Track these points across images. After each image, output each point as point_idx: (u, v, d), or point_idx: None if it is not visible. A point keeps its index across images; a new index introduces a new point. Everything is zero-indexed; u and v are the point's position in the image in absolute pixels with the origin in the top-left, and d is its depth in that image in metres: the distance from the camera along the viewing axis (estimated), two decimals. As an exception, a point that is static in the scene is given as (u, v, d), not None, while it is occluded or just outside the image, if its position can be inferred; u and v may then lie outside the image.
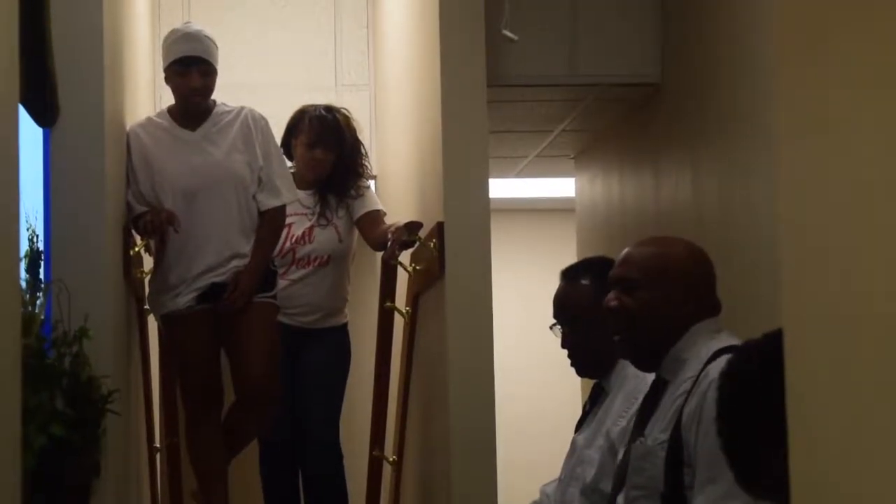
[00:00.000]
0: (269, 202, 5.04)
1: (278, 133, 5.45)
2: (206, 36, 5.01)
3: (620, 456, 3.50)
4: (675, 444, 3.06)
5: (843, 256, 1.36)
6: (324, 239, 5.67)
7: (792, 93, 1.49)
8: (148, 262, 5.25)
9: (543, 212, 9.71)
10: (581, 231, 7.15)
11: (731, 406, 2.25)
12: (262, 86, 6.72)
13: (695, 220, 5.07)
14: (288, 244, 5.59)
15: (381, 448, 5.77)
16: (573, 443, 3.87)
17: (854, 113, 1.35)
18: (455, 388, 4.80)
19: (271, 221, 5.06)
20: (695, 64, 5.13)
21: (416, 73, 5.61)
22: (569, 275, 3.91)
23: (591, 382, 3.99)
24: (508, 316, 8.61)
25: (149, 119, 5.16)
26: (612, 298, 3.33)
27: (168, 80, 5.04)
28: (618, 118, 6.12)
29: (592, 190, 6.88)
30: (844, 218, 1.36)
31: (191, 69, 4.95)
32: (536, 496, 4.01)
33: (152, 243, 5.07)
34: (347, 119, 5.77)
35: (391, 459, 5.77)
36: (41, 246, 3.96)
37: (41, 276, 3.92)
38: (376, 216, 5.68)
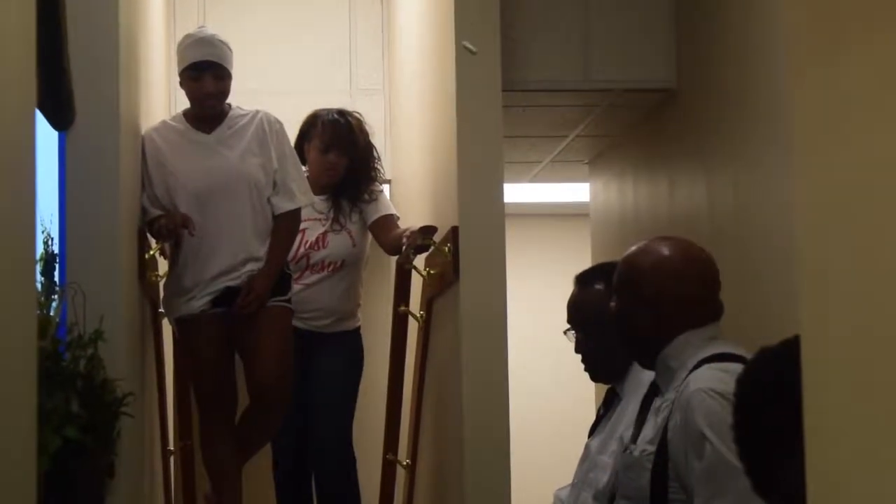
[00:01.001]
0: (284, 205, 5.04)
1: (292, 138, 5.45)
2: (219, 40, 5.01)
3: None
4: (662, 458, 3.06)
5: (861, 261, 1.36)
6: (337, 244, 5.67)
7: (807, 96, 1.48)
8: (163, 266, 5.26)
9: (558, 216, 9.70)
10: (595, 236, 7.15)
11: (748, 414, 2.25)
12: (277, 90, 6.73)
13: (709, 225, 5.07)
14: (302, 249, 5.59)
15: (395, 452, 5.77)
16: (587, 448, 3.86)
17: (870, 115, 1.35)
18: (469, 392, 4.80)
19: (286, 225, 5.05)
20: (709, 68, 5.13)
21: (430, 78, 5.61)
22: (582, 280, 3.91)
23: (605, 386, 3.99)
24: (522, 320, 8.60)
25: (164, 122, 5.17)
26: (612, 301, 3.36)
27: (182, 84, 5.05)
28: (632, 123, 6.12)
29: (607, 195, 6.88)
30: (862, 222, 1.35)
31: (205, 74, 4.96)
32: (550, 500, 4.01)
33: (167, 246, 5.08)
34: (360, 123, 5.77)
35: (405, 463, 5.77)
36: (56, 249, 3.96)
37: (56, 279, 3.93)
38: (390, 220, 5.68)
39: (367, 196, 5.71)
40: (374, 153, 5.81)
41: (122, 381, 4.04)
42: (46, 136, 4.05)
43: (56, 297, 3.84)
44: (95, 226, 4.22)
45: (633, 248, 3.37)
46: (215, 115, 5.03)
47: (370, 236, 5.75)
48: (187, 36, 5.09)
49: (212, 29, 5.16)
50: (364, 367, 5.79)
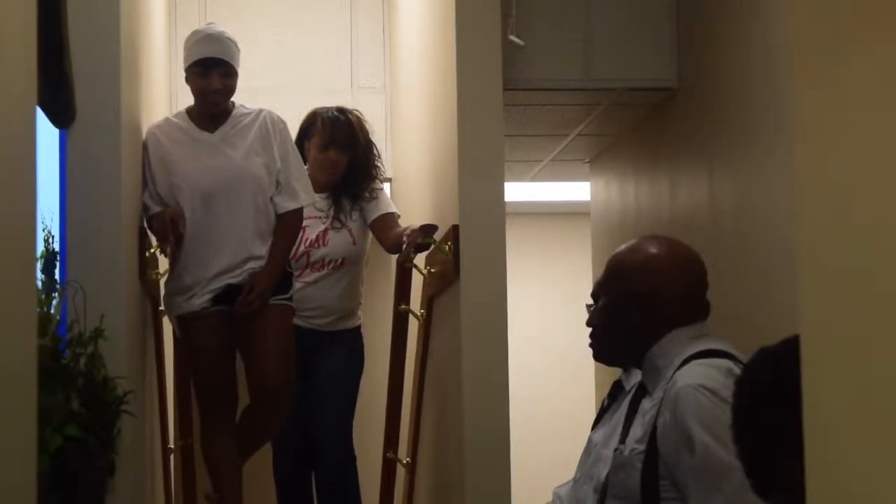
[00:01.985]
0: (287, 204, 5.04)
1: (293, 136, 5.44)
2: (227, 38, 5.00)
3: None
4: (651, 456, 3.05)
5: (862, 261, 1.36)
6: (338, 242, 5.67)
7: (808, 95, 1.48)
8: (163, 264, 5.26)
9: (558, 215, 9.70)
10: (596, 235, 7.15)
11: (748, 413, 2.24)
12: (279, 88, 6.73)
13: (711, 225, 5.07)
14: (302, 248, 5.59)
15: (395, 450, 5.77)
16: (589, 441, 3.87)
17: (872, 114, 1.35)
18: (469, 391, 4.80)
19: (288, 224, 5.05)
20: (711, 68, 5.12)
21: (432, 76, 5.61)
22: None
23: (606, 382, 3.99)
24: (523, 318, 8.60)
25: (167, 120, 5.16)
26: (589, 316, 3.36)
27: (188, 80, 5.04)
28: (633, 122, 6.12)
29: (608, 194, 6.88)
30: (863, 220, 1.35)
31: (211, 71, 4.96)
32: (550, 499, 4.01)
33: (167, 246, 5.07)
34: (360, 120, 5.77)
35: (405, 461, 5.77)
36: (57, 247, 3.96)
37: (57, 276, 3.93)
38: (390, 219, 5.68)
39: (367, 194, 5.71)
40: (375, 151, 5.81)
41: (123, 379, 4.04)
42: (47, 134, 4.05)
43: (56, 294, 3.83)
44: (96, 223, 4.22)
45: (622, 246, 3.36)
46: (219, 112, 5.03)
47: (371, 234, 5.75)
48: (196, 32, 5.08)
49: (220, 25, 5.15)
50: (364, 366, 5.79)
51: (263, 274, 4.94)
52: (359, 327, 5.78)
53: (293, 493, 5.75)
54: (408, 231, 5.36)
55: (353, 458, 5.67)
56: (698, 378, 3.00)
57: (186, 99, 5.14)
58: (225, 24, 5.36)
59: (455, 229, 4.88)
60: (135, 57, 4.77)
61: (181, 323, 5.04)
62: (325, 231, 5.67)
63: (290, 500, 5.76)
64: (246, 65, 5.21)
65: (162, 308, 5.26)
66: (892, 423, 1.29)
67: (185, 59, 5.03)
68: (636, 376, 3.74)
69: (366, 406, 5.99)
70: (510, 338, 4.86)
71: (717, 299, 4.92)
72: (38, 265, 3.70)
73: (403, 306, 5.66)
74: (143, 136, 5.01)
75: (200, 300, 4.94)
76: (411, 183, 6.33)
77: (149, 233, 4.96)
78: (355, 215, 5.71)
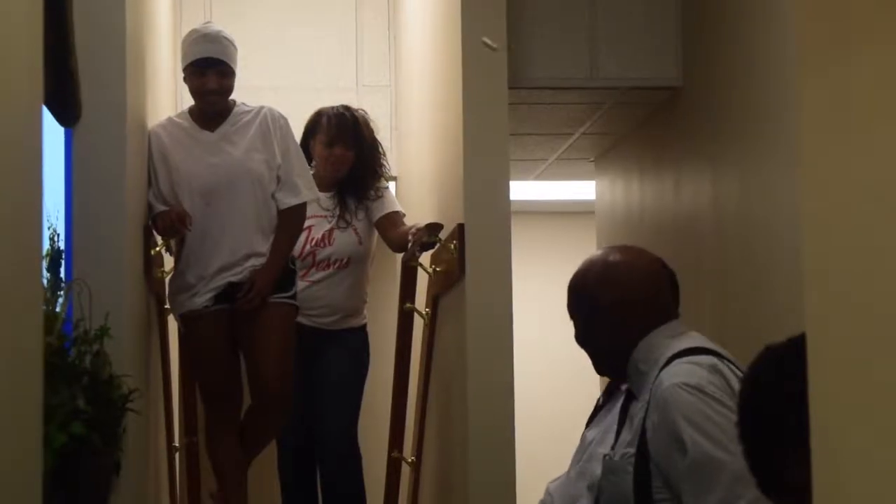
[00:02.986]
0: (288, 200, 5.03)
1: (298, 135, 5.45)
2: (224, 37, 5.00)
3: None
4: (642, 459, 3.05)
5: (867, 259, 1.36)
6: (343, 241, 5.67)
7: (814, 95, 1.48)
8: (168, 262, 5.27)
9: (563, 214, 9.70)
10: (601, 234, 7.15)
11: (753, 411, 2.24)
12: (284, 87, 6.73)
13: (715, 223, 5.07)
14: (308, 247, 5.60)
15: (400, 449, 5.77)
16: (583, 438, 3.87)
17: (878, 114, 1.35)
18: (474, 390, 4.80)
19: (289, 220, 5.04)
20: (715, 67, 5.12)
21: (437, 75, 5.61)
22: None
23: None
24: (528, 317, 8.60)
25: (169, 119, 5.17)
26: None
27: (186, 80, 5.05)
28: (638, 121, 6.12)
29: (612, 193, 6.88)
30: (868, 220, 1.35)
31: (208, 71, 4.96)
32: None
33: (172, 243, 5.08)
34: (365, 118, 5.78)
35: (410, 460, 5.77)
36: (62, 245, 3.96)
37: (62, 275, 3.93)
38: (396, 218, 5.68)
39: (372, 193, 5.71)
40: (380, 149, 5.81)
41: (128, 377, 4.04)
42: (53, 133, 4.05)
43: (62, 293, 3.84)
44: (101, 222, 4.22)
45: (578, 267, 3.38)
46: (219, 111, 5.03)
47: (376, 233, 5.75)
48: (192, 31, 5.09)
49: (217, 25, 5.15)
50: (369, 365, 5.79)
51: (264, 271, 4.93)
52: (364, 326, 5.78)
53: (298, 491, 5.75)
54: (413, 230, 5.36)
55: (358, 457, 5.67)
56: (683, 376, 3.01)
57: (191, 97, 5.15)
58: (230, 23, 5.37)
59: (460, 228, 4.88)
60: (140, 56, 4.77)
61: (185, 321, 5.05)
62: (331, 230, 5.67)
63: (294, 498, 5.76)
64: (251, 63, 5.22)
65: (167, 306, 5.26)
66: (897, 422, 1.29)
67: (183, 59, 5.05)
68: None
69: (371, 405, 5.99)
70: (515, 336, 4.86)
71: (720, 298, 4.93)
72: (44, 263, 3.70)
73: (408, 305, 5.67)
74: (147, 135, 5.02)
75: (202, 298, 4.94)
76: (416, 182, 6.33)
77: (153, 231, 4.96)
78: (360, 214, 5.71)
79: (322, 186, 5.50)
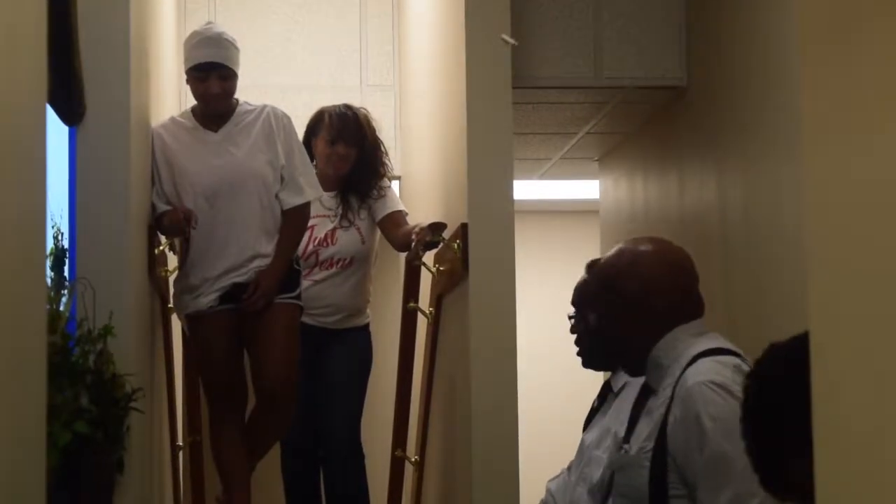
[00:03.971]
0: (292, 200, 5.02)
1: (301, 134, 5.44)
2: (226, 39, 4.99)
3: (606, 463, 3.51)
4: (660, 453, 3.05)
5: (870, 257, 1.36)
6: (346, 241, 5.67)
7: (818, 93, 1.48)
8: (172, 261, 5.26)
9: (567, 213, 9.70)
10: (605, 233, 7.15)
11: (757, 409, 2.24)
12: (288, 86, 6.73)
13: (719, 223, 5.07)
14: (311, 246, 5.60)
15: (404, 448, 5.77)
16: (581, 442, 3.87)
17: (880, 113, 1.35)
18: (478, 389, 4.80)
19: (293, 220, 5.03)
20: (719, 66, 5.12)
21: (441, 74, 5.61)
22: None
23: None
24: (532, 316, 8.61)
25: (172, 119, 5.17)
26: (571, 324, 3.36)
27: (188, 82, 5.04)
28: (642, 120, 6.11)
29: (616, 192, 6.88)
30: (871, 219, 1.35)
31: (210, 75, 4.94)
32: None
33: (176, 242, 5.08)
34: (367, 117, 5.77)
35: (413, 460, 5.77)
36: (66, 244, 3.97)
37: (66, 274, 3.94)
38: (399, 217, 5.68)
39: (375, 192, 5.70)
40: (382, 148, 5.80)
41: (132, 376, 4.04)
42: (57, 132, 4.06)
43: (66, 292, 3.84)
44: (105, 221, 4.23)
45: (607, 254, 3.35)
46: (222, 112, 5.03)
47: (379, 233, 5.74)
48: (194, 34, 5.07)
49: (219, 26, 5.13)
50: (373, 364, 5.79)
51: (269, 272, 4.93)
52: (367, 325, 5.78)
53: (302, 491, 5.75)
54: (416, 229, 5.36)
55: (362, 457, 5.67)
56: (709, 375, 3.00)
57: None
58: (234, 22, 5.37)
59: (464, 227, 4.88)
60: (144, 55, 4.77)
61: (189, 321, 5.05)
62: (334, 230, 5.67)
63: (298, 498, 5.77)
64: (255, 62, 5.22)
65: (171, 305, 5.26)
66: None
67: (185, 62, 5.03)
68: (623, 378, 3.75)
69: (374, 404, 5.99)
70: (518, 336, 4.86)
71: (725, 296, 4.93)
72: (48, 262, 3.71)
73: (412, 304, 5.66)
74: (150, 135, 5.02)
75: (207, 299, 4.94)
76: (420, 181, 6.33)
77: (157, 231, 4.96)
78: (364, 213, 5.70)
79: (325, 185, 5.49)
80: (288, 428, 5.15)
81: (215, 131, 5.02)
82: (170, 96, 5.99)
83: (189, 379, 5.78)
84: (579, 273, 3.99)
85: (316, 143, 5.69)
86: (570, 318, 3.96)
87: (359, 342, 5.72)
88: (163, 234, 4.99)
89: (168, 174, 4.97)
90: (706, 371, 3.02)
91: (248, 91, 5.16)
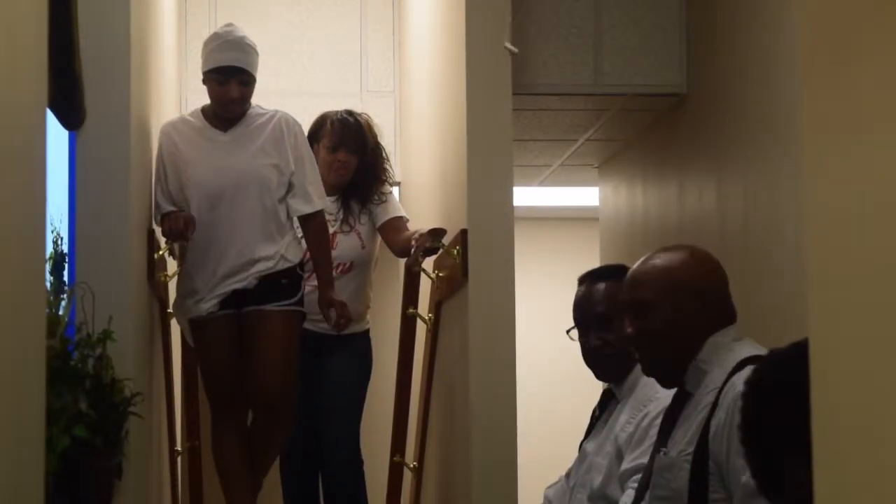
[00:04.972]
0: (302, 208, 5.03)
1: (304, 139, 5.44)
2: (248, 44, 4.98)
3: (626, 465, 3.50)
4: (701, 456, 3.05)
5: (871, 265, 1.36)
6: (347, 246, 5.67)
7: (818, 101, 1.48)
8: (171, 266, 5.26)
9: (567, 220, 9.70)
10: (604, 240, 7.15)
11: (756, 415, 2.24)
12: (288, 91, 6.73)
13: (719, 231, 5.07)
14: (311, 251, 5.60)
15: (403, 454, 5.77)
16: (582, 450, 3.87)
17: (882, 120, 1.35)
18: (477, 395, 4.80)
19: (314, 231, 5.08)
20: (720, 74, 5.12)
21: (441, 81, 5.61)
22: (587, 279, 3.90)
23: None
24: (531, 323, 8.60)
25: (182, 118, 5.17)
26: (628, 325, 3.30)
27: (206, 83, 5.02)
28: (642, 128, 6.12)
29: (616, 199, 6.88)
30: (871, 226, 1.35)
31: (230, 79, 4.93)
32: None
33: (176, 247, 5.08)
34: (369, 123, 5.77)
35: (412, 465, 5.77)
36: (65, 248, 3.97)
37: (65, 278, 3.93)
38: (399, 223, 5.68)
39: (376, 197, 5.70)
40: (383, 154, 5.80)
41: (131, 380, 4.04)
42: (57, 136, 4.06)
43: (65, 296, 3.84)
44: (105, 225, 4.23)
45: (638, 263, 3.34)
46: (236, 117, 5.03)
47: (379, 238, 5.74)
48: (216, 36, 5.04)
49: (240, 30, 5.06)
50: (372, 370, 5.79)
51: (322, 294, 5.05)
52: (367, 331, 5.78)
53: (300, 495, 5.75)
54: (416, 235, 5.36)
55: (361, 462, 5.67)
56: None
57: (195, 101, 5.15)
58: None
59: (463, 233, 4.89)
60: (144, 59, 4.78)
61: (190, 326, 5.04)
62: (334, 234, 5.66)
63: (297, 501, 5.76)
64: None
65: (170, 310, 5.26)
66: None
67: (204, 63, 5.01)
68: (628, 386, 3.74)
69: (373, 410, 5.99)
70: (518, 342, 4.86)
71: (725, 305, 4.93)
72: (47, 266, 3.71)
73: (411, 310, 5.67)
74: (157, 133, 5.01)
75: (208, 305, 4.93)
76: (420, 187, 6.33)
77: (157, 234, 4.96)
78: (364, 219, 5.70)
79: (326, 191, 5.49)
80: (287, 438, 5.14)
81: (224, 132, 5.02)
82: (171, 101, 6.00)
83: (188, 384, 5.78)
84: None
85: (317, 149, 5.69)
86: (567, 332, 3.92)
87: (359, 347, 5.71)
88: (164, 235, 4.99)
89: (174, 174, 4.96)
90: None
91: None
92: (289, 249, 5.01)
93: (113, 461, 3.92)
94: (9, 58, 2.34)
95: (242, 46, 4.96)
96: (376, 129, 5.81)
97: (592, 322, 3.80)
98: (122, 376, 3.97)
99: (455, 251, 4.96)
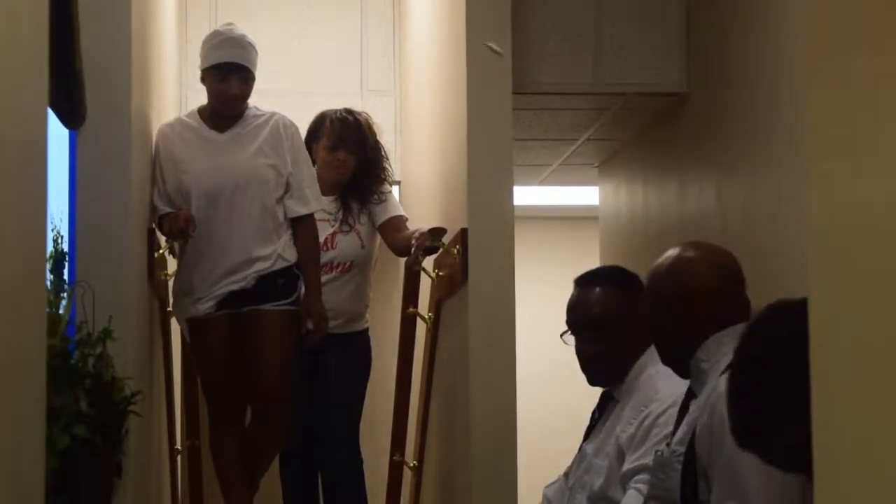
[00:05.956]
0: (297, 209, 5.04)
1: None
2: (248, 42, 5.00)
3: (627, 465, 3.50)
4: (690, 457, 3.05)
5: (872, 265, 1.36)
6: (346, 245, 5.67)
7: (820, 101, 1.48)
8: (171, 265, 5.26)
9: (567, 220, 9.70)
10: (604, 240, 7.15)
11: (752, 365, 2.24)
12: (289, 91, 6.73)
13: (719, 230, 5.07)
14: (311, 250, 5.60)
15: (402, 453, 5.77)
16: (582, 451, 3.86)
17: (884, 120, 1.35)
18: (476, 394, 4.80)
19: (303, 235, 5.07)
20: (721, 73, 5.12)
21: (441, 80, 5.61)
22: (582, 282, 3.90)
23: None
24: (530, 322, 8.60)
25: (178, 119, 5.17)
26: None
27: (205, 81, 5.04)
28: (643, 127, 6.12)
29: (617, 198, 6.88)
30: (874, 227, 1.35)
31: (230, 76, 4.95)
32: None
33: (176, 246, 5.08)
34: (368, 122, 5.77)
35: (412, 464, 5.77)
36: (66, 247, 3.97)
37: (66, 277, 3.94)
38: (399, 222, 5.67)
39: (376, 197, 5.70)
40: (383, 153, 5.80)
41: (131, 379, 4.04)
42: (58, 135, 4.06)
43: (65, 295, 3.84)
44: (105, 224, 4.23)
45: (658, 262, 3.34)
46: (234, 114, 5.04)
47: (379, 237, 5.74)
48: (216, 33, 5.07)
49: (239, 28, 5.10)
50: (372, 369, 5.78)
51: (308, 300, 5.02)
52: (367, 330, 5.78)
53: (300, 494, 5.75)
54: (416, 234, 5.36)
55: (360, 461, 5.66)
56: None
57: (196, 100, 5.15)
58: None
59: (463, 233, 4.88)
60: (145, 58, 4.78)
61: (189, 326, 5.05)
62: (334, 234, 5.66)
63: (296, 501, 5.76)
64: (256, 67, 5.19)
65: (170, 309, 5.26)
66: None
67: (204, 61, 5.03)
68: (627, 388, 3.74)
69: (373, 409, 5.99)
70: (518, 341, 4.86)
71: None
72: (48, 265, 3.71)
73: (411, 309, 5.67)
74: (154, 134, 5.02)
75: (205, 305, 4.94)
76: (420, 186, 6.33)
77: (158, 233, 4.96)
78: (363, 218, 5.70)
79: (325, 190, 5.49)
80: (285, 438, 5.14)
81: (221, 132, 5.03)
82: (171, 100, 6.00)
83: (187, 382, 5.78)
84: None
85: (317, 148, 5.69)
86: (561, 335, 3.91)
87: (359, 346, 5.71)
88: (164, 236, 4.99)
89: (172, 174, 4.97)
90: None
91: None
92: (286, 249, 5.02)
93: (113, 460, 3.92)
94: (9, 57, 2.34)
95: (243, 44, 4.98)
96: (376, 128, 5.80)
97: (584, 327, 3.81)
98: (122, 375, 3.98)
99: (455, 250, 4.96)
